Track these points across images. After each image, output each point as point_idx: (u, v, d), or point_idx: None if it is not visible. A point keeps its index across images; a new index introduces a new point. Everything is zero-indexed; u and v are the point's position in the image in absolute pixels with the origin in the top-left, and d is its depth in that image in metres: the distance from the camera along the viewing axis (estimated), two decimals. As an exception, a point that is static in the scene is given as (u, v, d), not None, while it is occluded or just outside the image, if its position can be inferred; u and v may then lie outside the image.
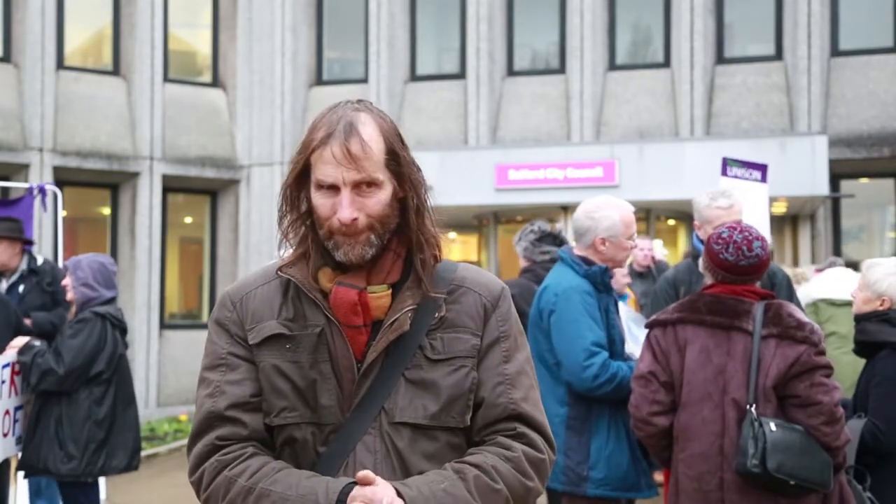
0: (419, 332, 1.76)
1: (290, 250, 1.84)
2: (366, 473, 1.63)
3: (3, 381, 4.79)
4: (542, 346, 3.83)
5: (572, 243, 4.13)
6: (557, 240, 5.30)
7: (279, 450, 1.78)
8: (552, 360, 3.80)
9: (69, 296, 5.03)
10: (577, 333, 3.71)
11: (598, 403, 3.76)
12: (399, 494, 1.62)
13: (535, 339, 3.83)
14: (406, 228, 1.78)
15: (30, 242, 6.39)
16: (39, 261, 6.44)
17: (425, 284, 1.77)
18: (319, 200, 1.73)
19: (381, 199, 1.73)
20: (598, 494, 3.73)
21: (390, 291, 1.77)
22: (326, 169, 1.70)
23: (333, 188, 1.71)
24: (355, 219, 1.70)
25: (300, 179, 1.78)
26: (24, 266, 6.20)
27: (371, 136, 1.72)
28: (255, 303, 1.82)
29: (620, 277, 7.72)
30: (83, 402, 4.83)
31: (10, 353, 4.86)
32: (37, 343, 4.89)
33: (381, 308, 1.76)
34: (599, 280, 3.83)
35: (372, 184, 1.71)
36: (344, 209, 1.69)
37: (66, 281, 5.00)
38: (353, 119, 1.72)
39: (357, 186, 1.70)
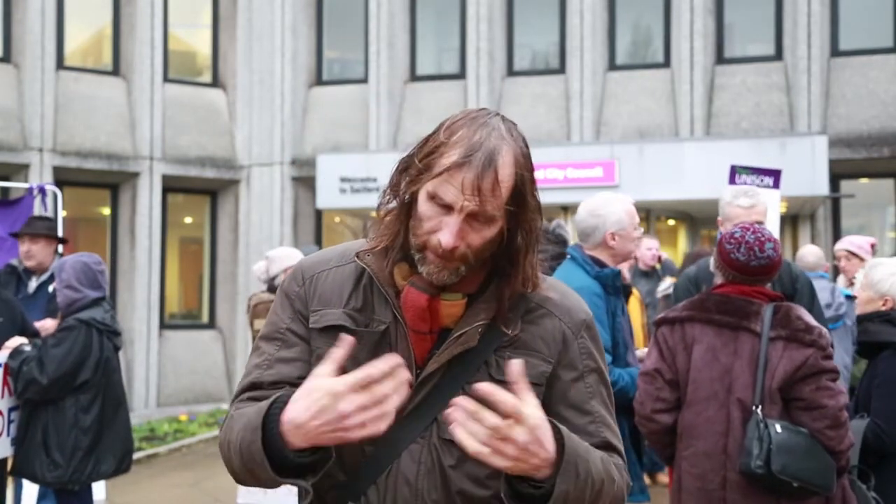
0: (487, 347, 1.67)
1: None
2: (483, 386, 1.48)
3: None
4: None
5: (572, 241, 4.09)
6: (553, 235, 5.23)
7: None
8: None
9: (58, 300, 4.94)
10: None
11: None
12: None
13: None
14: (504, 262, 1.69)
15: (64, 242, 6.36)
16: None
17: (502, 314, 1.67)
18: (428, 211, 1.63)
19: (486, 235, 1.63)
20: None
21: (465, 301, 1.69)
22: (449, 190, 1.59)
23: (447, 208, 1.61)
24: (456, 247, 1.61)
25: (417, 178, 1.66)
26: (55, 266, 6.20)
27: (505, 176, 1.60)
28: (325, 284, 1.75)
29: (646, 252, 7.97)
30: (69, 409, 4.77)
31: (3, 353, 4.80)
32: (27, 348, 4.81)
33: (452, 317, 1.67)
34: (611, 283, 3.80)
35: (486, 220, 1.62)
36: (450, 236, 1.60)
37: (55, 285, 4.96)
38: (495, 151, 1.59)
39: (470, 216, 1.61)
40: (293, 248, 8.51)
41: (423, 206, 1.63)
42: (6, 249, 7.20)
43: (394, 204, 1.70)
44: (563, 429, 1.55)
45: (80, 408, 4.80)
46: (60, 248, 7.83)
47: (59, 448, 4.73)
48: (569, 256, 4.00)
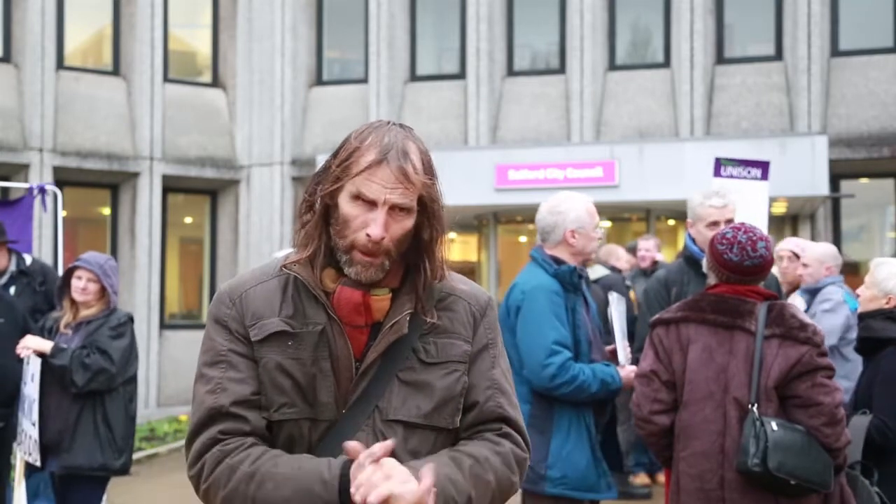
0: (413, 335, 1.84)
1: (288, 252, 1.89)
2: (354, 445, 1.69)
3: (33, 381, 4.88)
4: (508, 343, 3.83)
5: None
6: None
7: (274, 443, 1.83)
8: (516, 358, 3.81)
9: (86, 297, 4.92)
10: (540, 332, 3.74)
11: (559, 403, 3.80)
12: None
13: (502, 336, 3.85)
14: (416, 255, 1.85)
15: (12, 242, 6.19)
16: (28, 261, 6.24)
17: (421, 304, 1.85)
18: (352, 211, 1.78)
19: (406, 225, 1.80)
20: (556, 493, 3.76)
21: (391, 295, 1.85)
22: (373, 186, 1.75)
23: (371, 204, 1.76)
24: (383, 238, 1.76)
25: (334, 191, 1.81)
26: (13, 267, 6.02)
27: (418, 167, 1.79)
28: (254, 300, 1.85)
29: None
30: (121, 400, 5.01)
31: (34, 357, 4.86)
32: (64, 345, 4.85)
33: (381, 310, 1.83)
34: (568, 279, 3.86)
35: (405, 210, 1.78)
36: (378, 226, 1.75)
37: (85, 284, 4.89)
38: (406, 148, 1.78)
39: (392, 209, 1.77)
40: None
41: (347, 206, 1.79)
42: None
43: (309, 216, 1.84)
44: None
45: (127, 398, 5.06)
46: (61, 253, 7.82)
47: (121, 437, 5.00)
48: (531, 259, 4.04)
